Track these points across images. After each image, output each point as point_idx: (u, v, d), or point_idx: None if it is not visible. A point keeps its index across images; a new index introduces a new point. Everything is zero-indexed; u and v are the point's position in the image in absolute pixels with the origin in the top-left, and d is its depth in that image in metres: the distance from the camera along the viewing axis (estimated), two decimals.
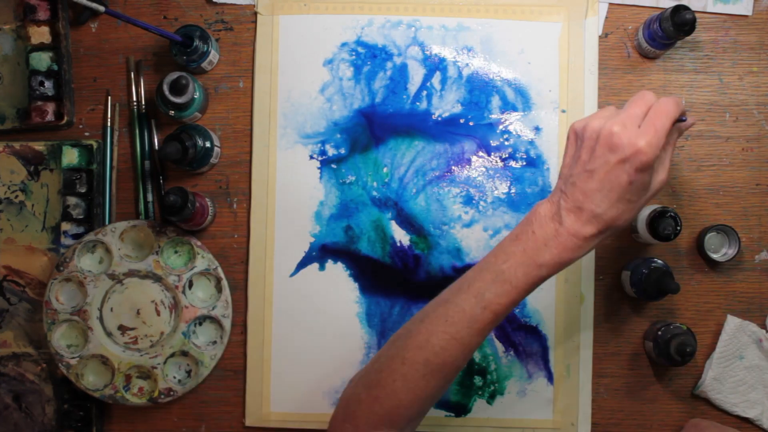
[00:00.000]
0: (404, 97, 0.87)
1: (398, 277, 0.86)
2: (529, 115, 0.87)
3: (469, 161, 0.87)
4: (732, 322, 0.85)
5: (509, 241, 0.67)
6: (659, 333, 0.82)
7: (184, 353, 0.85)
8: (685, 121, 0.68)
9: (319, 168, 0.87)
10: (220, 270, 0.86)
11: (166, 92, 0.82)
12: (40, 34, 0.88)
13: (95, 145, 0.87)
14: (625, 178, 0.63)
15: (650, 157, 0.62)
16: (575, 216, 0.64)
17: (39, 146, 0.87)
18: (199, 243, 0.86)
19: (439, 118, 0.87)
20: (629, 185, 0.63)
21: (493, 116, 0.87)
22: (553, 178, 0.86)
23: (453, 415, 0.86)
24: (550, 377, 0.85)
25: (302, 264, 0.87)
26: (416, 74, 0.87)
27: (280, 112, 0.87)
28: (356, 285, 0.86)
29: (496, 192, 0.86)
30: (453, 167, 0.87)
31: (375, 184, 0.87)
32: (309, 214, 0.87)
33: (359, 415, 0.68)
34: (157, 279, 0.85)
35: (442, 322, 0.67)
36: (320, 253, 0.86)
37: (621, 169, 0.63)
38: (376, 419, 0.67)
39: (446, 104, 0.87)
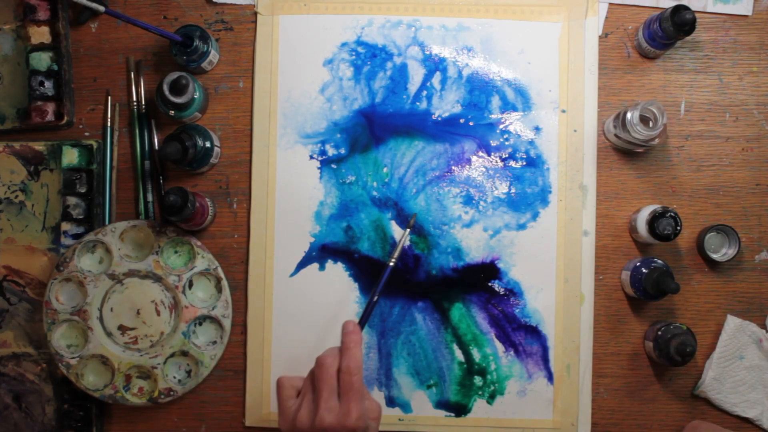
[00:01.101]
0: (404, 97, 0.87)
1: (398, 277, 0.86)
2: (529, 115, 0.87)
3: (469, 161, 0.87)
4: (732, 322, 0.85)
5: None
6: (659, 333, 0.82)
7: (184, 353, 0.85)
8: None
9: (319, 168, 0.87)
10: (220, 270, 0.86)
11: (166, 92, 0.82)
12: (40, 34, 0.88)
13: (95, 145, 0.87)
14: None
15: None
16: None
17: (39, 146, 0.87)
18: (199, 243, 0.86)
19: (439, 118, 0.87)
20: None
21: (493, 116, 0.87)
22: (553, 178, 0.86)
23: (453, 415, 0.86)
24: (550, 377, 0.85)
25: (302, 264, 0.87)
26: (416, 74, 0.87)
27: (280, 112, 0.87)
28: (356, 285, 0.86)
29: (496, 192, 0.86)
30: (453, 167, 0.87)
31: (375, 184, 0.87)
32: (309, 214, 0.87)
33: None
34: (157, 279, 0.85)
35: None
36: (320, 253, 0.86)
37: None
38: None
39: (446, 104, 0.87)
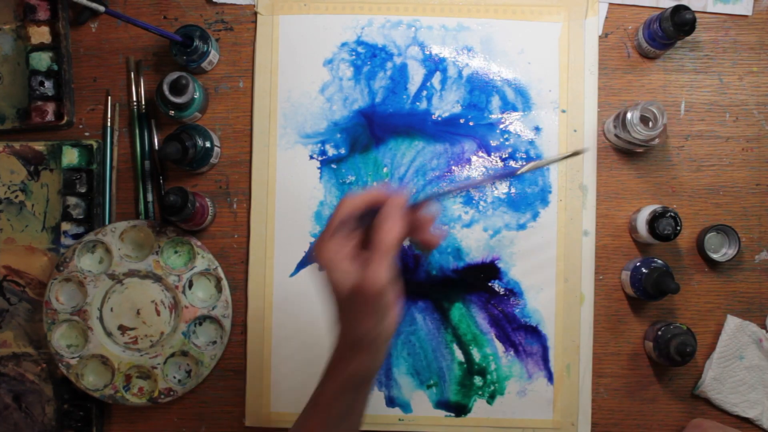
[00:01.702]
0: (404, 97, 0.87)
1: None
2: (529, 115, 0.87)
3: (469, 161, 0.87)
4: (732, 322, 0.85)
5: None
6: (659, 333, 0.82)
7: (184, 353, 0.85)
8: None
9: (319, 168, 0.87)
10: (220, 270, 0.86)
11: (166, 92, 0.82)
12: (40, 34, 0.88)
13: (95, 145, 0.87)
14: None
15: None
16: None
17: (39, 146, 0.87)
18: (199, 243, 0.86)
19: (439, 118, 0.87)
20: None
21: (493, 116, 0.87)
22: (553, 178, 0.86)
23: (453, 415, 0.86)
24: (550, 377, 0.85)
25: (302, 264, 0.87)
26: (416, 74, 0.87)
27: (280, 112, 0.87)
28: None
29: (496, 192, 0.86)
30: (453, 167, 0.87)
31: (375, 184, 0.87)
32: (309, 214, 0.87)
33: None
34: (157, 279, 0.85)
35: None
36: None
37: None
38: None
39: (446, 104, 0.87)
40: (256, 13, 0.88)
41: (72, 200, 0.87)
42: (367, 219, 0.63)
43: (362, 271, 0.60)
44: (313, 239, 0.86)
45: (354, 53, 0.88)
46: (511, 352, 0.86)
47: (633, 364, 0.86)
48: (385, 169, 0.87)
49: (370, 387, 0.66)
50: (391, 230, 0.60)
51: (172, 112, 0.84)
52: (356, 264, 0.61)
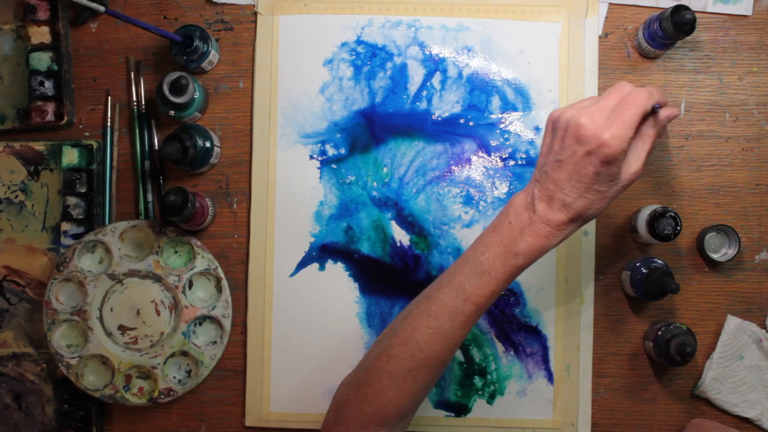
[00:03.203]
0: (404, 97, 0.87)
1: (398, 277, 0.86)
2: (529, 115, 0.87)
3: (469, 161, 0.87)
4: (732, 322, 0.85)
5: (488, 233, 0.68)
6: (659, 333, 0.82)
7: (184, 353, 0.85)
8: (658, 110, 0.67)
9: (319, 168, 0.87)
10: (220, 270, 0.86)
11: (166, 92, 0.82)
12: (40, 34, 0.88)
13: (95, 145, 0.87)
14: (591, 170, 0.63)
15: (615, 150, 0.62)
16: (547, 204, 0.65)
17: (39, 146, 0.87)
18: (199, 243, 0.86)
19: (439, 118, 0.87)
20: (596, 176, 0.63)
21: (493, 116, 0.87)
22: None
23: (453, 415, 0.86)
24: (550, 377, 0.85)
25: (302, 264, 0.87)
26: (416, 74, 0.87)
27: (280, 112, 0.87)
28: (356, 285, 0.86)
29: (496, 192, 0.86)
30: (453, 167, 0.87)
31: (375, 184, 0.87)
32: (309, 214, 0.87)
33: (349, 415, 0.68)
34: (157, 279, 0.85)
35: (425, 317, 0.67)
36: (320, 253, 0.86)
37: (587, 160, 0.63)
38: (366, 418, 0.68)
39: (446, 104, 0.87)
40: (256, 13, 0.88)
41: (72, 200, 0.87)
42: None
43: (634, 165, 0.65)
44: (313, 239, 0.86)
45: (354, 53, 0.88)
46: (511, 352, 0.86)
47: (633, 364, 0.86)
48: (385, 169, 0.87)
49: (491, 300, 0.68)
50: (655, 137, 0.67)
51: (172, 112, 0.84)
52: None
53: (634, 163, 0.66)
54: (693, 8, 0.82)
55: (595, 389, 0.86)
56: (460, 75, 0.87)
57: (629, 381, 0.86)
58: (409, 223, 0.86)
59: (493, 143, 0.87)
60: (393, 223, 0.86)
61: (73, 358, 0.84)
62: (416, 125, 0.87)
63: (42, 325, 0.85)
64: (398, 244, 0.86)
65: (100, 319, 0.85)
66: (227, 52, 0.89)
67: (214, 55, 0.87)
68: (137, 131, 0.88)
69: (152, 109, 0.88)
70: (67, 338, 0.86)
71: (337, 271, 0.86)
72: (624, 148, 0.63)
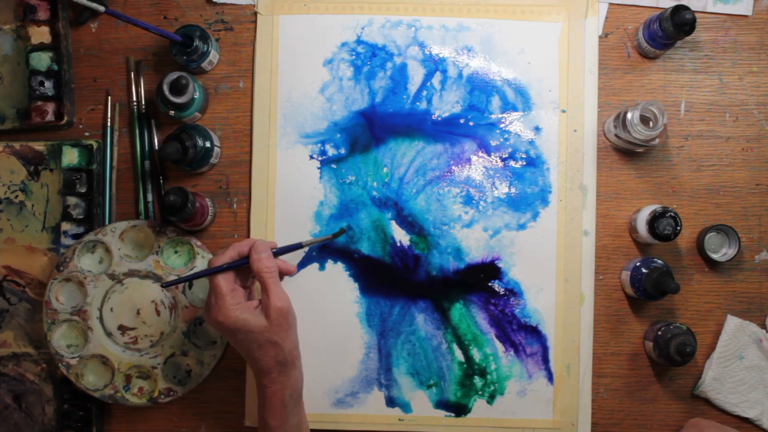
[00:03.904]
0: (404, 97, 0.87)
1: (398, 277, 0.86)
2: (529, 115, 0.87)
3: (469, 161, 0.87)
4: (732, 322, 0.85)
5: None
6: (659, 333, 0.82)
7: (184, 353, 0.85)
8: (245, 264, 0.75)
9: (319, 168, 0.87)
10: None
11: (166, 92, 0.82)
12: (40, 34, 0.88)
13: (95, 145, 0.87)
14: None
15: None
16: None
17: (39, 146, 0.87)
18: (199, 243, 0.86)
19: (439, 118, 0.87)
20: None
21: (493, 116, 0.87)
22: (553, 178, 0.86)
23: (453, 415, 0.86)
24: (550, 377, 0.85)
25: (302, 264, 0.87)
26: (416, 74, 0.87)
27: (280, 112, 0.87)
28: (356, 285, 0.86)
29: (496, 192, 0.86)
30: (453, 167, 0.87)
31: (375, 184, 0.87)
32: (309, 214, 0.87)
33: None
34: (157, 279, 0.85)
35: None
36: (320, 253, 0.86)
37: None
38: None
39: (446, 104, 0.87)
40: (256, 13, 0.88)
41: (72, 200, 0.87)
42: (243, 272, 0.77)
43: (267, 299, 0.74)
44: (313, 239, 0.86)
45: (354, 53, 0.88)
46: (511, 352, 0.86)
47: (633, 364, 0.86)
48: (385, 169, 0.87)
49: (301, 396, 0.78)
50: (268, 258, 0.75)
51: (172, 112, 0.84)
52: (255, 304, 0.75)
53: (273, 300, 0.74)
54: (693, 8, 0.82)
55: (595, 389, 0.86)
56: (460, 75, 0.87)
57: (629, 381, 0.86)
58: (409, 223, 0.86)
59: (493, 143, 0.87)
60: (393, 223, 0.86)
61: (73, 358, 0.84)
62: (416, 125, 0.87)
63: (42, 325, 0.85)
64: (398, 244, 0.86)
65: (100, 319, 0.85)
66: (227, 52, 0.89)
67: (214, 55, 0.87)
68: (137, 131, 0.88)
69: (152, 109, 0.88)
70: (67, 338, 0.86)
71: (337, 271, 0.86)
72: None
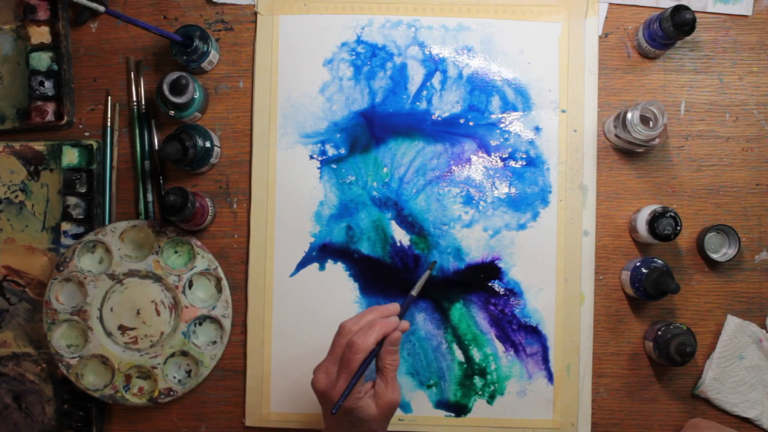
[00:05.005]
0: (404, 97, 0.87)
1: (398, 277, 0.86)
2: (529, 114, 0.87)
3: (469, 161, 0.87)
4: (732, 322, 0.85)
5: None
6: (659, 333, 0.82)
7: (184, 353, 0.85)
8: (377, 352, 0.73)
9: (319, 168, 0.87)
10: (220, 270, 0.86)
11: (166, 92, 0.82)
12: (40, 34, 0.88)
13: (95, 145, 0.87)
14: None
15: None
16: None
17: (39, 146, 0.87)
18: (199, 243, 0.86)
19: (439, 118, 0.87)
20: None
21: (493, 116, 0.87)
22: (553, 178, 0.86)
23: (453, 415, 0.86)
24: (550, 377, 0.85)
25: (302, 264, 0.87)
26: (416, 74, 0.87)
27: (280, 112, 0.87)
28: (356, 285, 0.86)
29: (496, 192, 0.86)
30: (453, 167, 0.87)
31: (375, 184, 0.87)
32: (309, 214, 0.87)
33: None
34: (157, 279, 0.85)
35: None
36: (320, 253, 0.86)
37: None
38: None
39: (446, 104, 0.87)
40: (256, 13, 0.88)
41: (72, 200, 0.87)
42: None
43: (384, 390, 0.73)
44: (313, 239, 0.86)
45: (354, 53, 0.88)
46: (511, 352, 0.86)
47: (633, 364, 0.86)
48: (385, 169, 0.87)
49: None
50: (396, 360, 0.74)
51: (172, 112, 0.84)
52: (370, 387, 0.74)
53: (390, 393, 0.73)
54: (693, 8, 0.82)
55: (595, 389, 0.86)
56: (460, 75, 0.87)
57: (629, 381, 0.86)
58: (409, 223, 0.86)
59: (493, 143, 0.87)
60: (393, 223, 0.86)
61: (73, 358, 0.84)
62: (416, 125, 0.87)
63: (42, 325, 0.85)
64: (398, 244, 0.86)
65: (100, 319, 0.85)
66: (227, 52, 0.89)
67: (214, 55, 0.87)
68: (137, 131, 0.88)
69: (152, 109, 0.88)
70: (67, 338, 0.86)
71: (337, 271, 0.86)
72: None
